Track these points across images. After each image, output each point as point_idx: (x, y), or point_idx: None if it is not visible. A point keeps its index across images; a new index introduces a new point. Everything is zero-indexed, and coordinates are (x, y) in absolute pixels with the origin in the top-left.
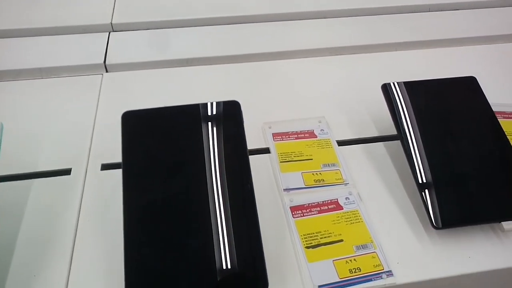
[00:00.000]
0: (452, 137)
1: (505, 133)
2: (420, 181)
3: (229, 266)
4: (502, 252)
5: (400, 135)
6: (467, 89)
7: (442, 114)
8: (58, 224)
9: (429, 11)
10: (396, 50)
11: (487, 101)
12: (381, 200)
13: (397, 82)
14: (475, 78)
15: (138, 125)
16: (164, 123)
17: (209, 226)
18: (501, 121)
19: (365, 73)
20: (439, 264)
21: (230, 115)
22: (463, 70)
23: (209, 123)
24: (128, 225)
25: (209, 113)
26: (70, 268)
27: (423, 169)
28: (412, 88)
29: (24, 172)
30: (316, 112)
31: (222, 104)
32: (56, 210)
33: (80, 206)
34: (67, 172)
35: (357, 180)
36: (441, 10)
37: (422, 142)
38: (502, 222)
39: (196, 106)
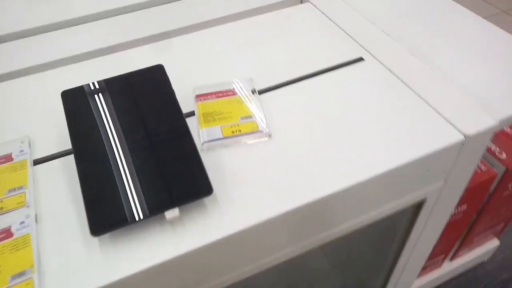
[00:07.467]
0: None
1: (200, 116)
2: (83, 190)
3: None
4: (174, 240)
5: None
6: (154, 76)
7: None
8: None
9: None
10: None
11: (170, 87)
12: None
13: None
14: (162, 66)
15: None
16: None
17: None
18: (200, 103)
19: None
20: (102, 271)
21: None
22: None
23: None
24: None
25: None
26: None
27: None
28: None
29: None
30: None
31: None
32: None
33: None
34: None
35: None
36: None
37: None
38: (165, 212)
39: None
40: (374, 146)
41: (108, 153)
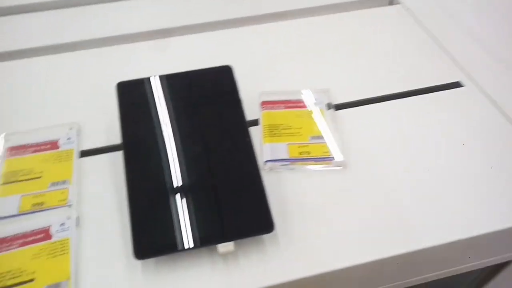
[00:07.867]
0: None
1: (264, 127)
2: (130, 205)
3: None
4: (225, 276)
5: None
6: (220, 79)
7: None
8: None
9: None
10: None
11: (238, 94)
12: None
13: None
14: (231, 68)
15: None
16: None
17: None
18: (265, 112)
19: None
20: None
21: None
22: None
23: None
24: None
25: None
26: None
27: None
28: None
29: None
30: None
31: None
32: None
33: None
34: None
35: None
36: None
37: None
38: (218, 245)
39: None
40: (472, 197)
41: (162, 164)
